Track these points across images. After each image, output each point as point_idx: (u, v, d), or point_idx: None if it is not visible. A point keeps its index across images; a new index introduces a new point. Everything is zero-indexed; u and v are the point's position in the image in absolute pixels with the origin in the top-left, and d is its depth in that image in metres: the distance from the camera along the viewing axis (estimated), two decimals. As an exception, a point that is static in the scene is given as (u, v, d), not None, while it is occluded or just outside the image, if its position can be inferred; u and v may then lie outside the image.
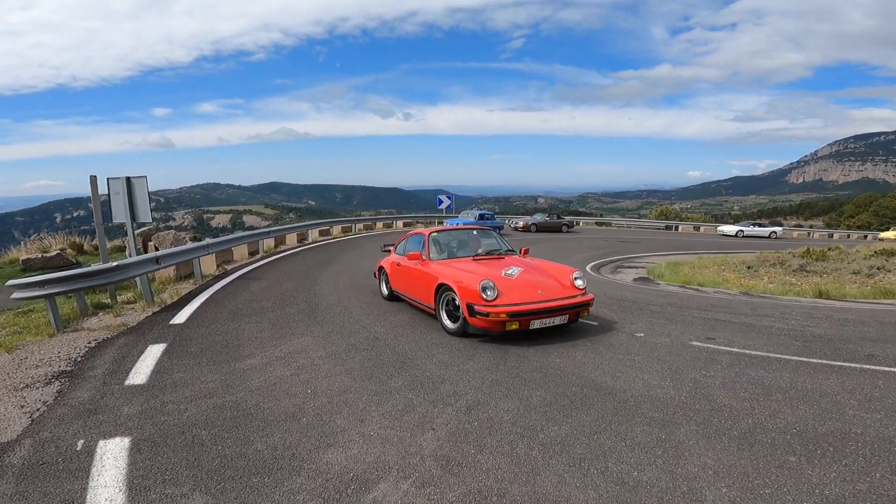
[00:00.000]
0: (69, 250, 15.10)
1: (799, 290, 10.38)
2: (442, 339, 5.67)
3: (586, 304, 5.71)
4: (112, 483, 2.84)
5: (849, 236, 43.26)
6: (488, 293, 5.27)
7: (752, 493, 2.67)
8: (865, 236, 42.95)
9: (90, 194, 8.08)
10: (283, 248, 16.75)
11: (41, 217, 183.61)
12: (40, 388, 4.31)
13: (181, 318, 6.75)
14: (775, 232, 34.82)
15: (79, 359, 5.12)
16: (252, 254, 14.44)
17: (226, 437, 3.37)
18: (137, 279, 7.95)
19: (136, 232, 10.10)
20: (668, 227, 40.90)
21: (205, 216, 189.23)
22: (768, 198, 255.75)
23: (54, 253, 13.88)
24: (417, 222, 31.68)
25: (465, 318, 5.43)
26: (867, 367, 4.59)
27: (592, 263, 15.95)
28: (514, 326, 5.24)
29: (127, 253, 11.26)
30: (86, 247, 16.40)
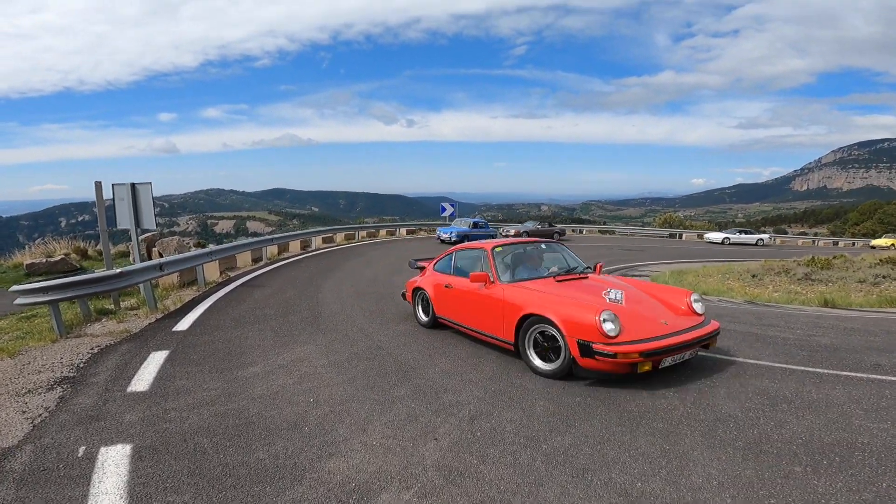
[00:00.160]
0: (73, 255, 15.15)
1: (804, 299, 10.33)
2: (445, 348, 5.65)
3: (716, 334, 4.75)
4: (113, 490, 2.83)
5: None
6: (610, 327, 4.17)
7: (758, 506, 2.64)
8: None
9: (95, 199, 8.11)
10: (286, 255, 16.78)
11: (46, 221, 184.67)
12: (42, 394, 4.31)
13: (184, 325, 6.75)
14: (762, 239, 34.54)
15: (81, 365, 5.12)
16: (255, 261, 14.47)
17: (228, 445, 3.35)
18: (141, 286, 7.97)
19: (141, 237, 10.13)
20: (671, 235, 40.82)
21: (209, 222, 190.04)
22: (772, 205, 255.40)
23: (58, 258, 13.92)
24: (420, 230, 31.72)
25: (573, 359, 4.34)
26: (874, 376, 4.55)
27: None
28: (646, 368, 4.20)
29: (131, 259, 11.31)
30: (90, 252, 16.45)
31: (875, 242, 38.53)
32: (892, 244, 36.21)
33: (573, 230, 41.67)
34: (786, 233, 68.80)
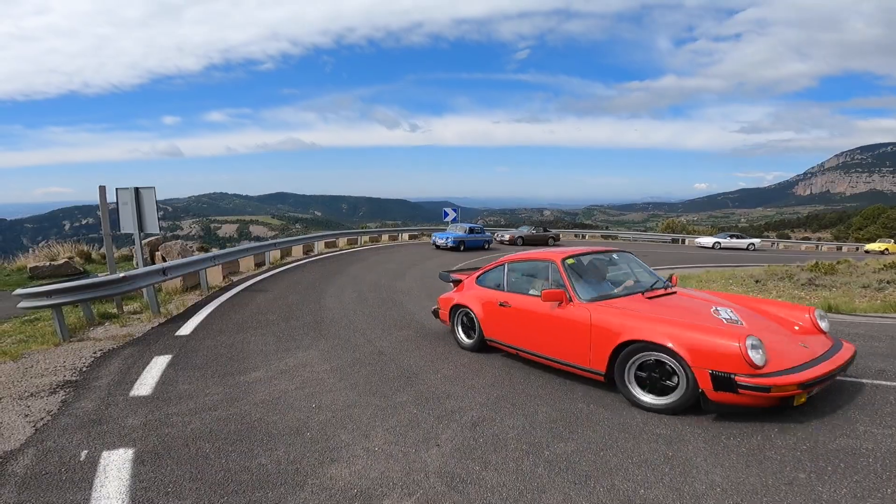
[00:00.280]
0: (77, 259, 15.21)
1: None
2: (447, 354, 5.65)
3: (854, 356, 4.17)
4: (115, 494, 2.83)
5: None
6: (759, 356, 3.56)
7: (762, 514, 2.63)
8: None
9: (99, 203, 8.15)
10: (289, 259, 16.80)
11: (50, 224, 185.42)
12: (45, 398, 4.32)
13: (187, 329, 6.76)
14: (753, 244, 34.44)
15: (84, 369, 5.13)
16: (258, 265, 14.49)
17: (230, 450, 3.35)
18: (144, 290, 7.99)
19: (144, 241, 10.16)
20: (674, 241, 40.74)
21: (212, 226, 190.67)
22: (776, 210, 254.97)
23: (62, 261, 13.98)
24: (423, 234, 31.70)
25: (701, 393, 3.72)
26: (878, 382, 4.53)
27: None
28: (802, 401, 3.69)
29: (134, 263, 11.34)
30: (94, 255, 16.51)
31: (868, 247, 38.47)
32: (886, 249, 36.23)
33: (576, 235, 41.63)
34: (789, 238, 68.62)
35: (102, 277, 7.16)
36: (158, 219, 8.65)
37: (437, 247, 22.54)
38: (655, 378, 3.94)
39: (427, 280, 12.40)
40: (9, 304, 7.86)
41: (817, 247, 42.59)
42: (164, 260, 14.06)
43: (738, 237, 35.67)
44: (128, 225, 8.49)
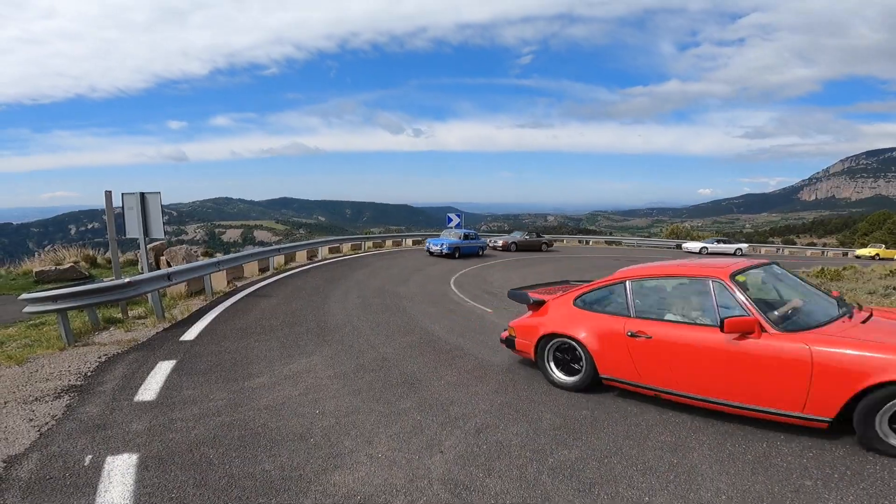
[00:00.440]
0: (83, 263, 15.27)
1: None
2: (451, 360, 5.64)
3: None
4: (119, 500, 2.83)
5: (845, 254, 42.37)
6: None
7: (768, 523, 2.61)
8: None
9: (105, 207, 8.20)
10: (293, 265, 16.83)
11: (56, 228, 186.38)
12: (49, 402, 4.33)
13: (191, 334, 6.77)
14: (741, 249, 34.34)
15: (89, 373, 5.14)
16: (262, 270, 14.52)
17: (233, 456, 3.35)
18: (149, 295, 8.02)
19: (149, 246, 10.20)
20: (678, 247, 40.65)
21: (216, 230, 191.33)
22: (780, 215, 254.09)
23: (68, 266, 14.03)
24: (427, 239, 31.65)
25: None
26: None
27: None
28: None
29: (139, 268, 11.39)
30: (99, 260, 16.57)
31: (859, 252, 38.42)
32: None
33: (579, 241, 41.56)
34: (794, 243, 68.29)
35: (108, 282, 7.19)
36: (163, 224, 8.69)
37: (431, 253, 21.62)
38: None
39: (430, 286, 12.41)
40: (14, 308, 7.89)
41: (823, 252, 42.40)
42: (168, 265, 14.11)
43: (725, 242, 35.67)
44: (133, 230, 8.52)
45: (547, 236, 32.39)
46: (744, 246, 35.61)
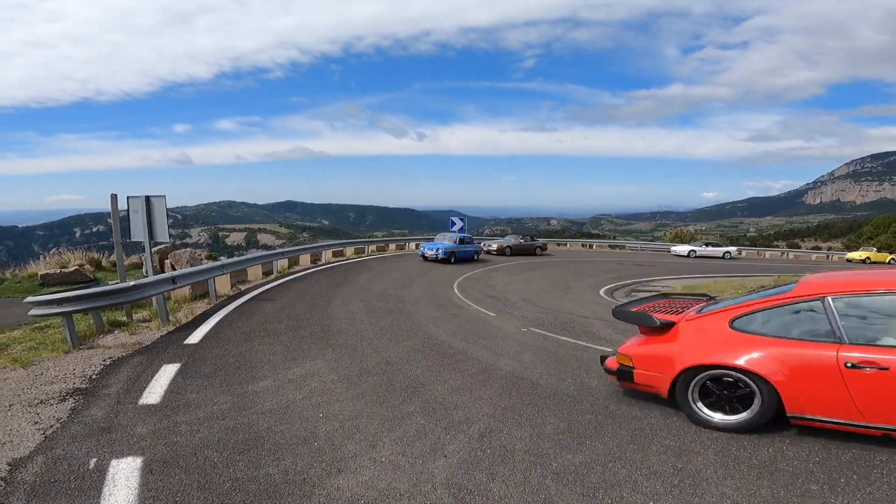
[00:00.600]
0: (87, 266, 15.34)
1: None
2: (454, 364, 5.64)
3: None
4: (123, 503, 2.84)
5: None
6: None
7: (774, 529, 2.59)
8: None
9: (110, 210, 8.24)
10: (296, 268, 16.86)
11: (61, 231, 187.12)
12: (54, 405, 4.34)
13: (195, 338, 6.79)
14: (729, 252, 34.20)
15: (94, 376, 5.16)
16: (266, 274, 14.54)
17: (237, 459, 3.35)
18: (154, 298, 8.04)
19: (154, 249, 10.24)
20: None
21: (220, 234, 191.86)
22: (785, 219, 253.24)
23: (73, 269, 14.10)
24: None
25: None
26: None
27: (606, 287, 15.81)
28: None
29: (144, 271, 11.42)
30: (104, 263, 16.64)
31: (850, 255, 38.32)
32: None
33: (583, 245, 41.49)
34: (799, 247, 68.05)
35: (113, 285, 7.22)
36: (168, 226, 8.72)
37: (426, 258, 20.66)
38: None
39: (433, 289, 12.41)
40: (20, 311, 7.93)
41: (828, 256, 42.23)
42: (173, 268, 14.16)
43: (714, 245, 35.53)
44: (138, 233, 8.56)
45: (541, 240, 32.28)
46: (732, 249, 35.44)
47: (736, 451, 3.40)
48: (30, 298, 6.33)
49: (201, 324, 7.67)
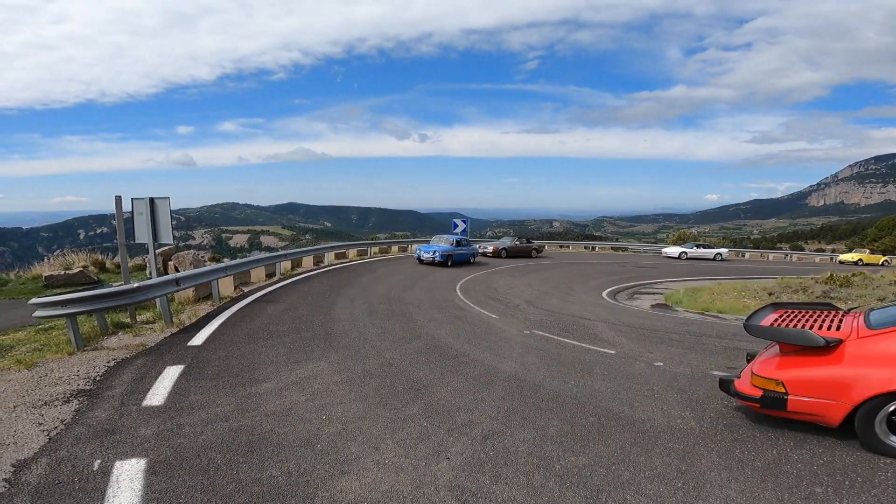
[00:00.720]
0: (91, 268, 15.38)
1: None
2: (457, 366, 5.63)
3: None
4: (127, 506, 2.84)
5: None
6: None
7: (778, 532, 2.58)
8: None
9: (114, 212, 8.26)
10: (299, 270, 16.87)
11: (65, 233, 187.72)
12: (58, 406, 4.35)
13: (199, 339, 6.80)
14: (720, 254, 34.04)
15: (98, 378, 5.17)
16: (269, 276, 14.57)
17: (241, 461, 3.36)
18: (157, 300, 8.06)
19: (157, 251, 10.27)
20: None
21: (223, 235, 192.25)
22: (788, 221, 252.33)
23: (77, 270, 14.14)
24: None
25: None
26: None
27: (609, 289, 15.79)
28: None
29: (148, 273, 11.45)
30: (108, 264, 16.68)
31: (843, 257, 38.22)
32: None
33: (585, 247, 41.45)
34: (803, 249, 67.83)
35: (117, 287, 7.24)
36: (172, 228, 8.74)
37: (422, 261, 19.92)
38: None
39: (436, 291, 12.41)
40: (24, 313, 7.96)
41: (831, 259, 42.11)
42: (176, 270, 14.20)
43: (705, 247, 35.30)
44: (142, 235, 8.59)
45: (537, 242, 32.22)
46: (724, 251, 35.27)
47: (740, 454, 3.39)
48: (34, 300, 6.35)
49: (205, 325, 7.69)
